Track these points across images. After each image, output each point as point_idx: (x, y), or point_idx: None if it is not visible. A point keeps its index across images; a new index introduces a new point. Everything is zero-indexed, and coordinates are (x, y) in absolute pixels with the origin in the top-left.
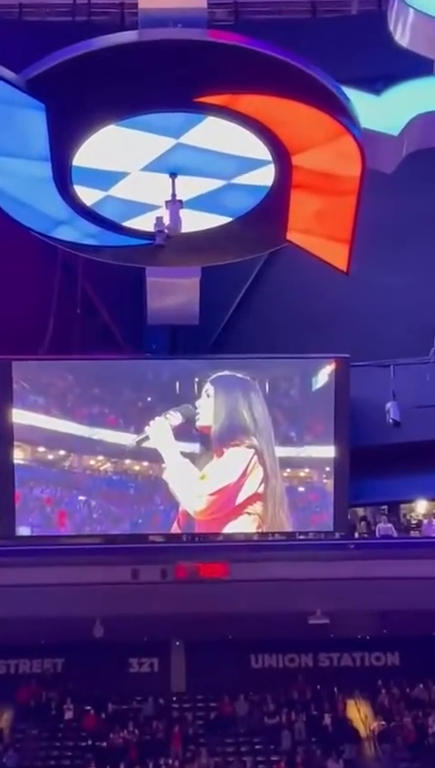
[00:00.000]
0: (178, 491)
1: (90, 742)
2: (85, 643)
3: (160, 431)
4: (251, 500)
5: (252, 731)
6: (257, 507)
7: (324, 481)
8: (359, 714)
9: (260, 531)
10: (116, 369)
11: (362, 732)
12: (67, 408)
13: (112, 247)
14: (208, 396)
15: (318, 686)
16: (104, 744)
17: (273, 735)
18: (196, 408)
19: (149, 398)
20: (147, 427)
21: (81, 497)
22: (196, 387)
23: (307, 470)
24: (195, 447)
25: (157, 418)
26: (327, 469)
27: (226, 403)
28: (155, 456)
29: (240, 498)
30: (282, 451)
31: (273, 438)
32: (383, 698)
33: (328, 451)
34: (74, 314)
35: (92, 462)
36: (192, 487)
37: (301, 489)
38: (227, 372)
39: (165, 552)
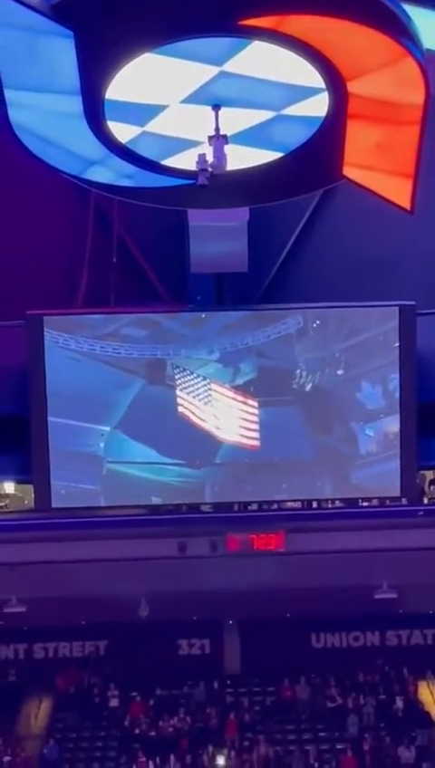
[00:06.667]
0: None
1: (137, 731)
2: (130, 624)
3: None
4: None
5: (314, 717)
6: None
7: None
8: (432, 696)
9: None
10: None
11: None
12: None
13: (151, 189)
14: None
15: (386, 667)
16: (153, 733)
17: (338, 722)
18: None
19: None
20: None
21: None
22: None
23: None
24: None
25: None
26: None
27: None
28: None
29: None
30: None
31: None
32: None
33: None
34: (110, 264)
35: None
36: None
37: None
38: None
39: (215, 523)
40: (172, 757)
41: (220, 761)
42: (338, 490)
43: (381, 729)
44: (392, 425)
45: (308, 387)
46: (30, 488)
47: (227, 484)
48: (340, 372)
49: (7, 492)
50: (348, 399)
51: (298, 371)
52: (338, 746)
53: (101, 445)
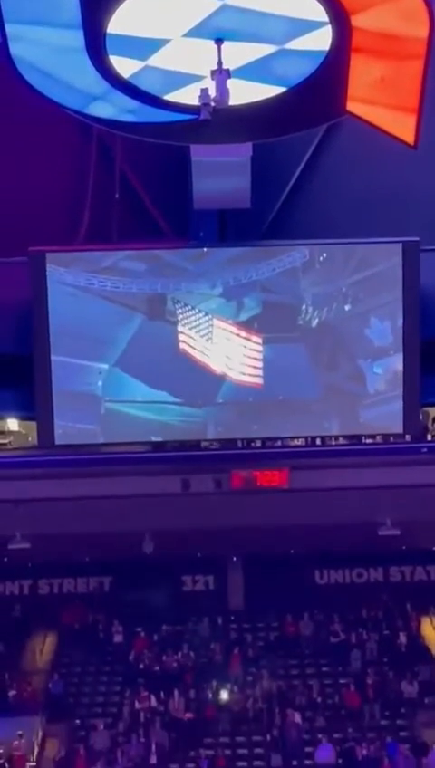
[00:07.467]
0: None
1: (141, 666)
2: (134, 560)
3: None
4: None
5: (318, 652)
6: None
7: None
8: None
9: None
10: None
11: None
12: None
13: (153, 124)
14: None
15: (390, 603)
16: (157, 668)
17: (341, 657)
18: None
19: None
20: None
21: None
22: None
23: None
24: None
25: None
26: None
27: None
28: None
29: None
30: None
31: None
32: None
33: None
34: (112, 200)
35: None
36: None
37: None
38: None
39: (218, 460)
40: (176, 692)
41: (224, 695)
42: (346, 430)
43: (384, 664)
44: (401, 362)
45: (314, 323)
46: (34, 425)
47: (230, 423)
48: (347, 308)
49: (11, 429)
50: (356, 336)
51: (304, 306)
52: (341, 681)
53: (99, 383)
